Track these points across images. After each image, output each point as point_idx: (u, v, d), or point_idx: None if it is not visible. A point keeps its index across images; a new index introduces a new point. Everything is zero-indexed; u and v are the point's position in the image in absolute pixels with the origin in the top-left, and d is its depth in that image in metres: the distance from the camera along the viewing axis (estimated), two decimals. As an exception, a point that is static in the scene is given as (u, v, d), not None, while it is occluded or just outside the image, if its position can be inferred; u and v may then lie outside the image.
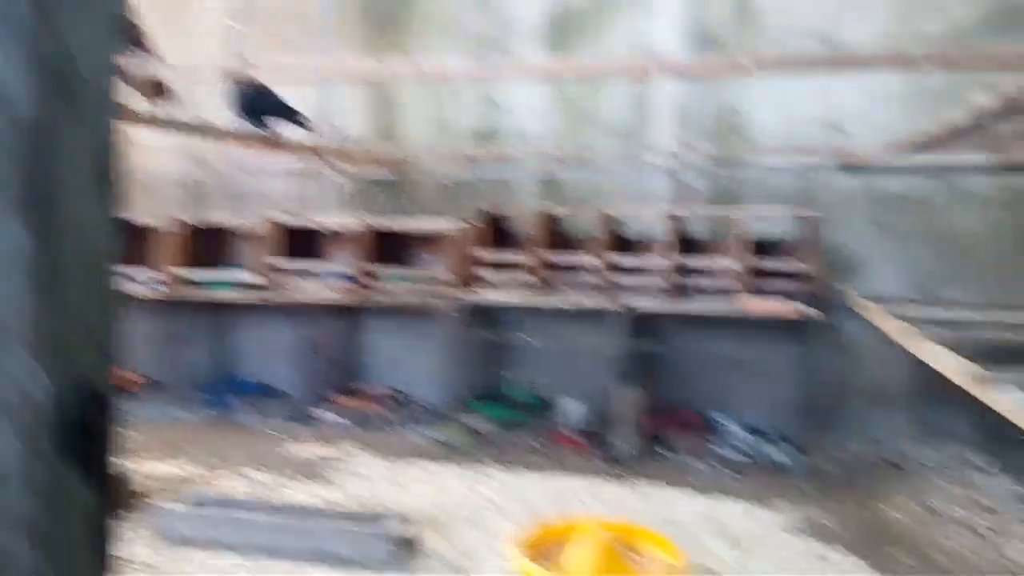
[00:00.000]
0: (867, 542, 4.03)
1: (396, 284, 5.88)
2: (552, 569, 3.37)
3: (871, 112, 5.63)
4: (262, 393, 6.60)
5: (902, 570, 3.70)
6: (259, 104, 4.59)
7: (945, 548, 3.96)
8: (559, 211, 5.95)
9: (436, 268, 5.92)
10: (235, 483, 4.65)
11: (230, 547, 3.63)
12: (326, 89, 6.38)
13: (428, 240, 6.23)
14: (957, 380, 2.74)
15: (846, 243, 5.78)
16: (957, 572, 3.69)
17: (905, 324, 3.80)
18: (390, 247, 6.16)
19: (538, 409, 6.07)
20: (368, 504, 4.30)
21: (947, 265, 5.65)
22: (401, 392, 6.50)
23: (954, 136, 3.66)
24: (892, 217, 5.77)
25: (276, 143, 4.91)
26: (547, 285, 5.63)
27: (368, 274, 5.89)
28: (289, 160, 6.64)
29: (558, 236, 5.92)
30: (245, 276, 6.06)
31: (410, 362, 6.49)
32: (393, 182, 6.71)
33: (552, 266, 5.64)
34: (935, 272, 5.67)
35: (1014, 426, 4.89)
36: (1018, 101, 2.84)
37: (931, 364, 3.21)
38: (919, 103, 5.50)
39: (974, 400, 5.50)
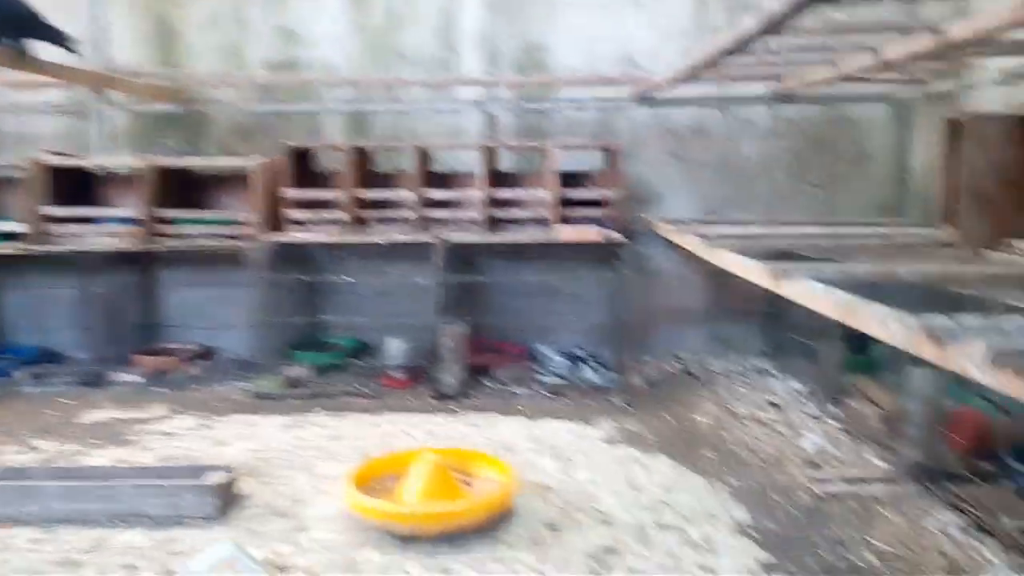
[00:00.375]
0: (678, 445, 4.34)
1: (193, 229, 5.41)
2: (386, 500, 3.32)
3: (662, 48, 5.91)
4: (43, 358, 5.89)
5: (709, 465, 4.02)
6: (11, 18, 3.93)
7: (745, 443, 4.36)
8: (369, 146, 5.74)
9: (237, 209, 5.52)
10: (20, 456, 4.13)
11: (20, 520, 3.22)
12: (93, 11, 5.65)
13: (226, 180, 5.77)
14: (756, 279, 2.97)
15: (644, 173, 6.11)
16: (755, 462, 4.07)
17: (705, 240, 4.07)
18: (183, 189, 5.65)
19: (360, 351, 5.92)
20: (182, 461, 3.99)
21: (733, 190, 6.12)
22: (208, 346, 6.06)
23: (724, 56, 3.86)
24: (683, 147, 6.14)
25: (37, 68, 4.26)
26: (361, 222, 5.44)
27: (158, 219, 5.38)
28: (56, 92, 5.88)
29: (369, 172, 5.72)
30: (7, 226, 5.32)
31: (217, 313, 6.04)
32: (180, 117, 6.13)
33: (365, 203, 5.44)
34: (722, 197, 6.13)
35: (793, 333, 5.45)
36: (776, 18, 3.04)
37: (731, 270, 3.46)
38: (704, 38, 5.84)
39: (759, 315, 6.06)
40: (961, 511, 3.32)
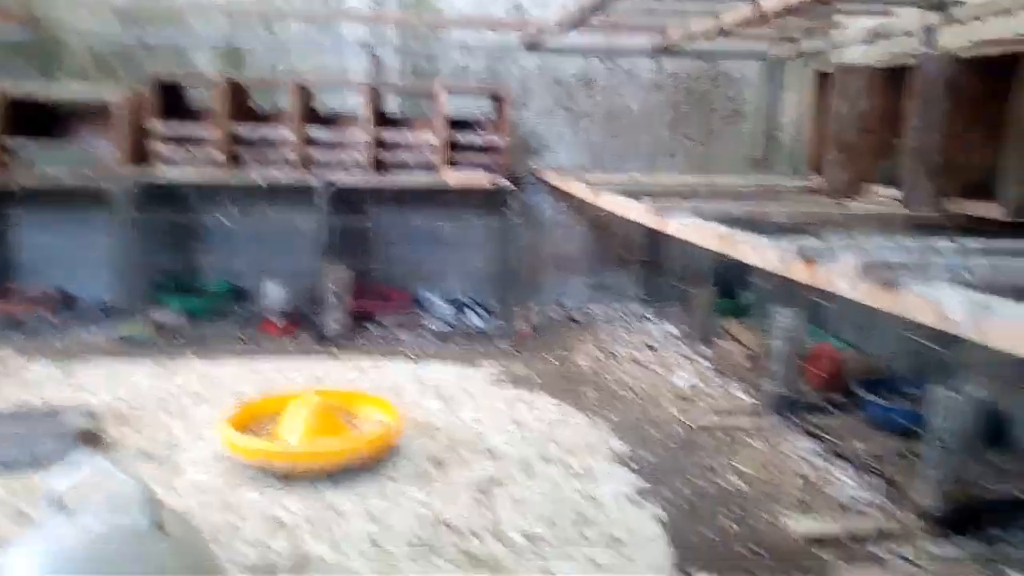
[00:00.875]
0: (560, 385, 4.45)
1: (48, 165, 4.99)
2: (266, 439, 3.23)
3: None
4: None
5: (590, 402, 4.15)
6: None
7: (623, 382, 4.52)
8: (245, 81, 5.44)
9: (99, 144, 5.12)
10: None
11: None
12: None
13: (87, 113, 5.32)
14: (640, 218, 3.04)
15: (532, 122, 6.12)
16: (632, 398, 4.24)
17: (590, 185, 4.14)
18: (36, 121, 5.18)
19: (236, 295, 5.69)
20: (38, 406, 3.73)
21: (617, 141, 6.23)
22: (67, 291, 5.65)
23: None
24: (571, 98, 6.18)
25: None
26: (236, 161, 5.17)
27: (8, 153, 4.92)
28: None
29: (245, 109, 5.43)
30: None
31: (76, 256, 5.62)
32: (28, 43, 5.57)
33: (241, 140, 5.17)
34: (607, 148, 6.24)
35: (669, 280, 5.66)
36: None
37: (617, 212, 3.53)
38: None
39: (638, 264, 6.25)
40: (817, 438, 3.59)
